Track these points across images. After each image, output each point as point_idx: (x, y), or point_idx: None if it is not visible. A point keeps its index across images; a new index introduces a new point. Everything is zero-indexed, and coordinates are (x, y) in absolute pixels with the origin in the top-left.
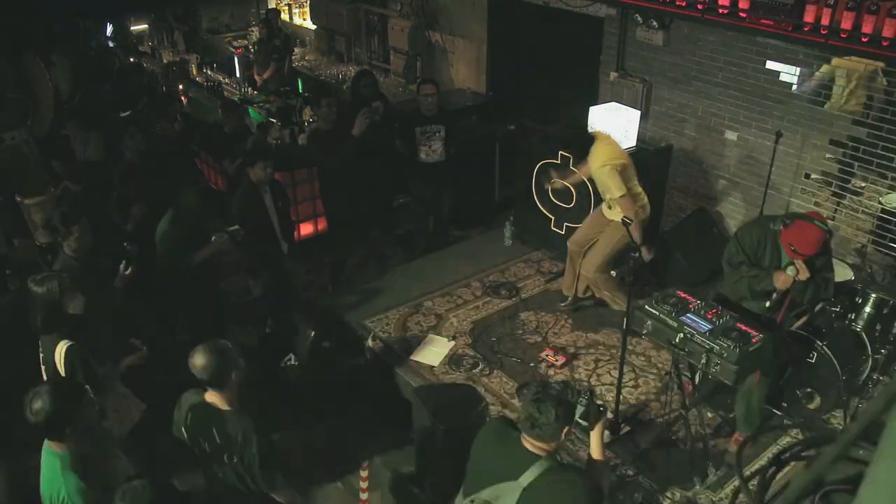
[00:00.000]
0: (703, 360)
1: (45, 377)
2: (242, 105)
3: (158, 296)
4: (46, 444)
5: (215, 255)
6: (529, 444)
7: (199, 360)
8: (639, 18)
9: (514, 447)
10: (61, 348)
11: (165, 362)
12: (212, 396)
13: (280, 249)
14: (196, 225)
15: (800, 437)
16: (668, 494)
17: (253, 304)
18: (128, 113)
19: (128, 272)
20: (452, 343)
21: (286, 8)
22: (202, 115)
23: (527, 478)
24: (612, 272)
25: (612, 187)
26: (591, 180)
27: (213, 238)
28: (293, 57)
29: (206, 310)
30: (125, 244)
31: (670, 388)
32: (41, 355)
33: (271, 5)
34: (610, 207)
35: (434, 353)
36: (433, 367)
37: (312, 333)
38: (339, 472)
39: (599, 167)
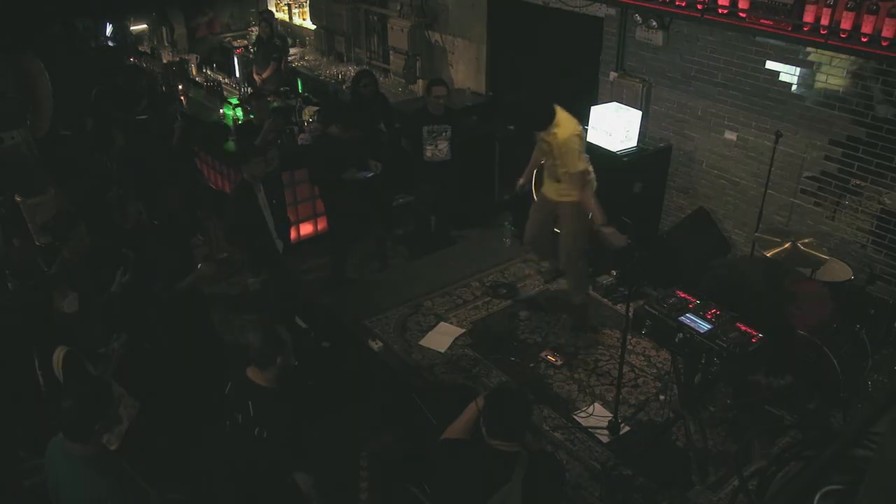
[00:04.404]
0: (703, 360)
1: (41, 381)
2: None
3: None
4: (65, 449)
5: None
6: (504, 446)
7: (252, 337)
8: (638, 18)
9: (488, 457)
10: (59, 353)
11: (164, 362)
12: (253, 373)
13: (275, 247)
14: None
15: (799, 437)
16: (668, 494)
17: (250, 301)
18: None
19: (125, 278)
20: (461, 330)
21: (286, 8)
22: (202, 115)
23: (519, 474)
24: (581, 264)
25: (575, 159)
26: (550, 156)
27: (200, 265)
28: (289, 57)
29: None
30: (123, 250)
31: (670, 388)
32: (35, 360)
33: (271, 5)
34: (559, 181)
35: (442, 339)
36: (441, 351)
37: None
38: (339, 473)
39: (571, 135)
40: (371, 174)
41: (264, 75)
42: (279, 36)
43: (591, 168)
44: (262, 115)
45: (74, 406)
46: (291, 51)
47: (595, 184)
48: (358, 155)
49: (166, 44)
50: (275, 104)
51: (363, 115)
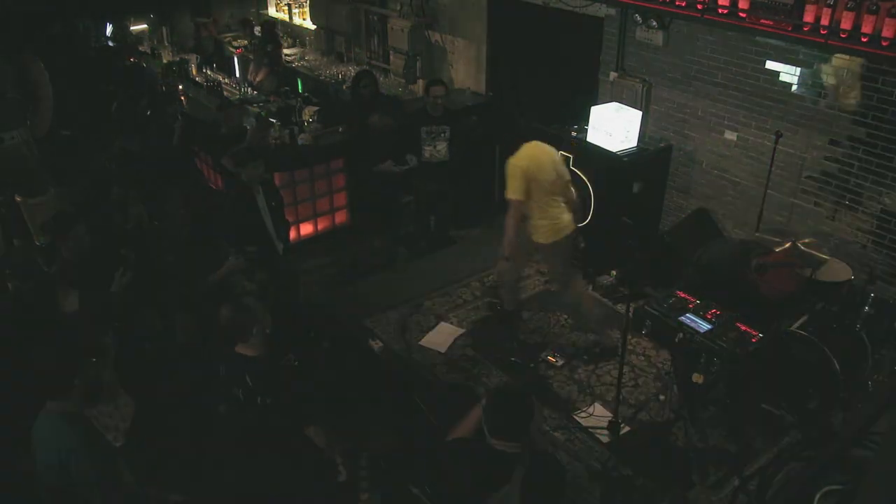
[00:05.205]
0: (703, 360)
1: None
2: (241, 105)
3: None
4: (45, 410)
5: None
6: (505, 446)
7: (223, 314)
8: (638, 18)
9: (490, 455)
10: None
11: (164, 363)
12: (241, 348)
13: (275, 249)
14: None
15: (799, 437)
16: (668, 494)
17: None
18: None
19: (125, 278)
20: (462, 330)
21: (286, 8)
22: (202, 116)
23: (518, 475)
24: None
25: (508, 185)
26: None
27: (230, 258)
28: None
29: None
30: (122, 251)
31: (670, 388)
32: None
33: (271, 6)
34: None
35: (442, 339)
36: (441, 352)
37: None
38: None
39: (510, 162)
40: (407, 167)
41: (258, 78)
42: (273, 41)
43: (548, 211)
44: (234, 124)
45: (46, 364)
46: (291, 51)
47: (535, 222)
48: (397, 147)
49: (166, 44)
50: (255, 109)
51: (363, 115)
